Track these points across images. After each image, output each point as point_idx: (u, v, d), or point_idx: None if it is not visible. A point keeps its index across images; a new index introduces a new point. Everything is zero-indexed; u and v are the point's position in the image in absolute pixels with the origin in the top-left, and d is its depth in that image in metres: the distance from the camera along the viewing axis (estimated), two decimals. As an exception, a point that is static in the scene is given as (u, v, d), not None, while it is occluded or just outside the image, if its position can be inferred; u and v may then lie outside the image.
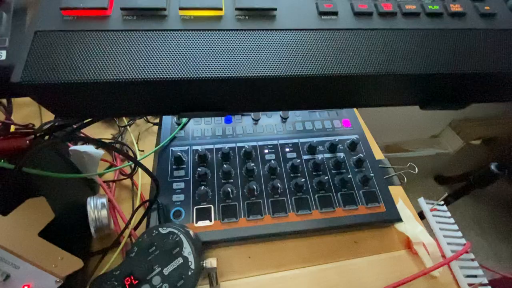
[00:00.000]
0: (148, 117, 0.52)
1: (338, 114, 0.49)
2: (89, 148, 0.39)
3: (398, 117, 1.20)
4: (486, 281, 0.38)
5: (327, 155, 0.44)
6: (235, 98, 0.22)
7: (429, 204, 0.45)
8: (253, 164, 0.41)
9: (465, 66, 0.21)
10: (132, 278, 0.30)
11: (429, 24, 0.23)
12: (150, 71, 0.19)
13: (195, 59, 0.19)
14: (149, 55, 0.19)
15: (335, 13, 0.22)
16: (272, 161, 0.41)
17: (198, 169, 0.39)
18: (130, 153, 0.47)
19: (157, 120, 0.53)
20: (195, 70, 0.19)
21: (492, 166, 0.87)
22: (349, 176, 0.41)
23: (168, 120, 0.46)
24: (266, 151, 0.43)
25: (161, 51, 0.19)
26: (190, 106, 0.23)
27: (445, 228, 0.43)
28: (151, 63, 0.19)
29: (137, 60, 0.19)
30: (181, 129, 0.45)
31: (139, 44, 0.19)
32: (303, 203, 0.39)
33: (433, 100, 0.25)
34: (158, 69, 0.19)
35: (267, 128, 0.47)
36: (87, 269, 0.35)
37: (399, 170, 0.48)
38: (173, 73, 0.19)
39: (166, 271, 0.30)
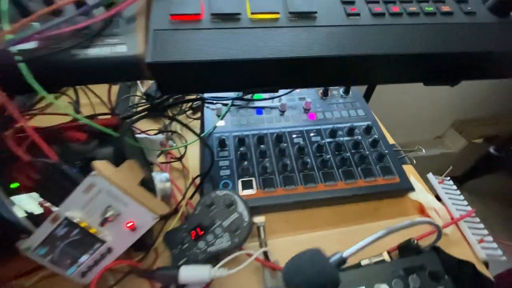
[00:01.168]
0: (188, 113, 0.61)
1: (353, 105, 0.57)
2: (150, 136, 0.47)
3: (404, 119, 1.27)
4: (491, 239, 0.44)
5: (346, 138, 0.51)
6: (286, 76, 0.30)
7: (437, 178, 0.52)
8: (285, 144, 0.48)
9: (453, 47, 0.29)
10: (198, 229, 0.37)
11: (427, 20, 0.31)
12: (232, 54, 0.27)
13: (262, 46, 0.28)
14: (231, 44, 0.27)
15: (358, 14, 0.30)
16: (301, 142, 0.49)
17: (241, 148, 0.47)
18: (178, 141, 0.55)
19: (195, 116, 0.61)
20: (261, 53, 0.27)
21: (491, 149, 0.94)
22: (366, 153, 0.48)
23: (209, 113, 0.54)
24: (294, 135, 0.51)
25: (239, 41, 0.28)
26: (252, 84, 0.31)
27: (452, 197, 0.49)
28: (233, 49, 0.27)
29: (223, 47, 0.27)
30: (221, 119, 0.53)
31: (223, 37, 0.28)
32: (329, 176, 0.46)
33: (433, 78, 0.33)
34: (237, 53, 0.27)
35: (292, 118, 0.55)
36: (153, 231, 0.41)
37: (408, 152, 0.55)
38: (246, 55, 0.27)
39: (225, 223, 0.37)
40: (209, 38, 0.28)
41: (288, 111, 0.56)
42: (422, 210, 0.46)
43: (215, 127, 0.52)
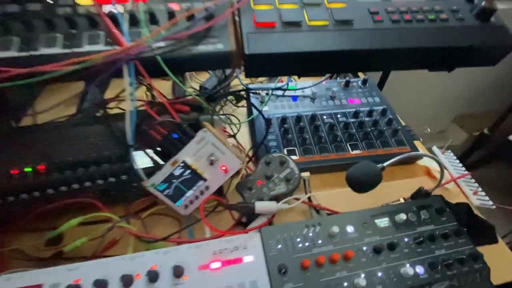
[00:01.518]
0: (234, 102, 0.74)
1: (370, 94, 0.70)
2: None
3: (409, 115, 1.39)
4: (484, 193, 0.56)
5: (367, 118, 0.64)
6: (333, 63, 0.44)
7: (440, 150, 0.64)
8: (319, 122, 0.61)
9: (449, 43, 0.42)
10: (261, 180, 0.50)
11: (429, 24, 0.44)
12: (297, 47, 0.40)
13: (316, 43, 0.41)
14: (297, 42, 0.41)
15: (382, 21, 0.43)
16: (331, 121, 0.62)
17: (284, 125, 0.60)
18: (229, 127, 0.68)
19: (240, 104, 0.74)
20: (316, 47, 0.41)
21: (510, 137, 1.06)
22: (384, 129, 0.61)
23: (254, 100, 0.67)
24: (325, 116, 0.64)
25: (302, 40, 0.41)
26: (310, 69, 0.44)
27: (453, 164, 0.61)
28: (298, 45, 0.40)
29: (291, 43, 0.40)
30: (265, 105, 0.66)
31: (291, 37, 0.41)
32: (355, 146, 0.59)
33: (435, 65, 0.46)
34: (301, 47, 0.40)
35: (321, 104, 0.68)
36: (222, 186, 0.54)
37: (416, 131, 0.68)
38: (306, 48, 0.40)
39: (281, 175, 0.50)
40: (281, 38, 0.41)
41: (317, 99, 0.69)
42: (428, 172, 0.59)
43: (261, 109, 0.65)
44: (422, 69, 0.47)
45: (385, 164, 0.44)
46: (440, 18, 0.45)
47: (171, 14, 0.42)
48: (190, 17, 0.42)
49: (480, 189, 0.57)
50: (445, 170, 0.58)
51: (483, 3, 0.45)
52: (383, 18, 0.44)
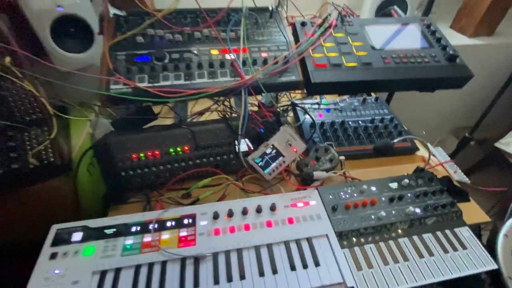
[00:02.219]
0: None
1: (380, 107, 0.99)
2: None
3: (410, 126, 1.67)
4: (462, 173, 0.82)
5: (380, 124, 0.92)
6: (364, 87, 0.73)
7: (434, 147, 0.91)
8: (346, 126, 0.89)
9: (429, 75, 0.71)
10: (313, 160, 0.77)
11: (417, 64, 0.73)
12: (338, 79, 0.69)
13: (351, 75, 0.70)
14: (340, 75, 0.70)
15: (388, 62, 0.73)
16: (355, 125, 0.90)
17: (323, 127, 0.89)
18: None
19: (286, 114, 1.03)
20: (351, 78, 0.70)
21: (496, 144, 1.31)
22: (392, 130, 0.89)
23: (299, 111, 0.96)
24: (350, 122, 0.92)
25: (342, 74, 0.70)
26: (348, 91, 0.74)
27: (441, 155, 0.88)
28: (341, 77, 0.70)
29: (337, 76, 0.70)
30: (306, 114, 0.94)
31: (336, 72, 0.70)
32: (372, 141, 0.86)
33: (422, 88, 0.74)
34: (339, 78, 0.69)
35: (347, 114, 0.96)
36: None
37: (416, 134, 0.95)
38: (346, 78, 0.70)
39: (327, 157, 0.77)
40: (330, 73, 0.70)
41: (343, 111, 0.97)
42: (424, 160, 0.85)
43: (304, 118, 0.94)
44: (414, 91, 0.76)
45: (395, 140, 0.74)
46: (424, 61, 0.74)
47: (265, 60, 0.72)
48: (276, 62, 0.72)
49: (459, 170, 0.83)
50: (434, 157, 0.85)
51: (451, 52, 0.75)
52: (390, 61, 0.73)
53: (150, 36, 0.74)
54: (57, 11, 0.89)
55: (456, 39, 1.42)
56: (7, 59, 0.68)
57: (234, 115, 0.87)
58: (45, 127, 0.73)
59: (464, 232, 0.66)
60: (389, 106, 1.04)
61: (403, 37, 0.82)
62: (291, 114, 1.01)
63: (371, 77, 0.70)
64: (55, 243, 0.59)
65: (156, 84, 0.67)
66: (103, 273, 0.55)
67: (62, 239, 0.59)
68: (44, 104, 0.72)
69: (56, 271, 0.55)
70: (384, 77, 0.70)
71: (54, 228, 0.61)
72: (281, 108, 0.88)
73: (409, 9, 1.20)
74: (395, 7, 0.94)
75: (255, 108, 0.80)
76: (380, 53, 0.75)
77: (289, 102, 1.01)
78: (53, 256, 0.57)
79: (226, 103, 0.88)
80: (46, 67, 0.87)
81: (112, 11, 0.78)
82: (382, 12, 1.07)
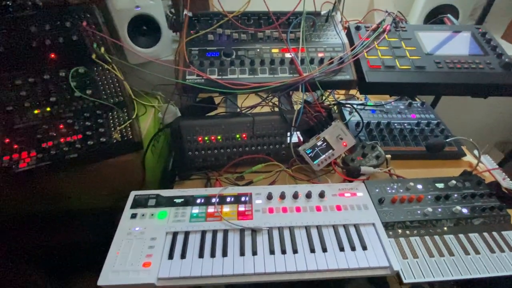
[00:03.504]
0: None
1: (426, 112, 1.00)
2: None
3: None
4: (509, 180, 0.81)
5: (426, 127, 0.94)
6: (415, 89, 0.76)
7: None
8: (392, 127, 0.92)
9: (483, 81, 0.73)
10: (359, 156, 0.81)
11: (472, 70, 0.75)
12: (394, 79, 0.74)
13: (404, 77, 0.74)
14: (393, 77, 0.74)
15: (442, 67, 0.75)
16: (400, 127, 0.93)
17: (370, 127, 0.92)
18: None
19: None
20: (404, 79, 0.74)
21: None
22: (438, 135, 0.90)
23: (345, 111, 1.01)
24: (396, 124, 0.95)
25: (396, 76, 0.74)
26: (400, 92, 0.78)
27: (489, 162, 0.88)
28: (395, 78, 0.74)
29: (390, 77, 0.74)
30: (351, 114, 0.99)
31: (390, 74, 0.74)
32: (418, 143, 0.89)
33: (475, 93, 0.76)
34: (397, 79, 0.74)
35: (392, 116, 0.99)
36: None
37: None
38: (399, 80, 0.74)
39: (373, 155, 0.81)
40: (384, 74, 0.75)
41: (389, 113, 1.00)
42: (470, 165, 0.86)
43: (350, 117, 0.98)
44: (466, 96, 0.78)
45: (447, 140, 0.78)
46: (479, 67, 0.76)
47: (321, 59, 0.79)
48: (331, 62, 0.78)
49: (507, 177, 0.82)
50: (482, 164, 0.86)
51: (506, 60, 0.76)
52: (443, 66, 0.76)
53: (219, 34, 0.83)
54: (135, 10, 1.02)
55: (508, 49, 1.38)
56: (102, 49, 0.81)
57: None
58: (125, 108, 0.84)
59: (513, 236, 0.67)
60: (435, 110, 1.06)
61: (456, 44, 0.84)
62: (336, 112, 1.06)
63: (424, 79, 0.74)
64: (134, 205, 0.69)
65: (224, 77, 0.76)
66: (174, 234, 0.64)
67: (139, 203, 0.70)
68: (126, 88, 0.84)
69: (137, 228, 0.65)
70: (438, 80, 0.73)
71: (133, 194, 0.72)
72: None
73: (460, 17, 1.20)
74: (449, 15, 0.96)
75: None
76: (434, 58, 0.78)
77: (334, 102, 1.06)
78: (133, 216, 0.67)
79: (274, 100, 0.96)
80: (123, 59, 1.01)
81: (184, 12, 0.89)
82: (432, 20, 1.09)
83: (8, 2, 0.74)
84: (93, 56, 0.80)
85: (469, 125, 1.56)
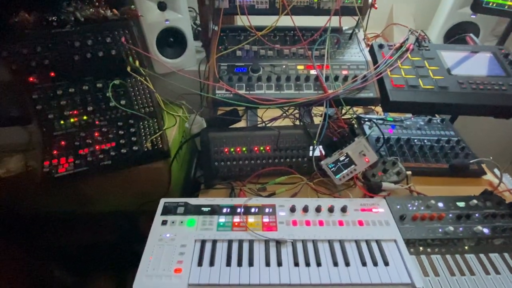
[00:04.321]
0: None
1: (446, 129, 1.01)
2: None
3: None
4: None
5: (446, 144, 0.95)
6: (438, 109, 0.78)
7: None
8: (412, 143, 0.94)
9: (507, 102, 0.74)
10: (380, 172, 0.83)
11: (495, 92, 0.76)
12: (417, 99, 0.76)
13: (427, 97, 0.76)
14: (417, 96, 0.76)
15: (465, 88, 0.77)
16: (420, 143, 0.94)
17: (390, 142, 0.94)
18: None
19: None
20: (427, 99, 0.76)
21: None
22: (459, 152, 0.91)
23: (365, 126, 1.03)
24: (416, 140, 0.97)
25: (419, 95, 0.76)
26: (422, 111, 0.80)
27: (510, 182, 0.88)
28: (418, 97, 0.76)
29: (413, 97, 0.76)
30: (371, 129, 1.01)
31: (413, 93, 0.76)
32: (438, 160, 0.90)
33: (498, 115, 0.77)
34: (420, 98, 0.76)
35: (412, 132, 1.01)
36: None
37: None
38: (422, 100, 0.76)
39: (393, 171, 0.83)
40: (407, 93, 0.77)
41: (408, 128, 1.02)
42: (490, 184, 0.87)
43: (370, 132, 1.00)
44: (489, 116, 0.79)
45: (471, 161, 0.80)
46: (502, 88, 0.77)
47: (345, 77, 0.81)
48: (355, 80, 0.81)
49: (530, 198, 0.83)
50: (503, 183, 0.86)
51: (531, 82, 0.77)
52: (466, 86, 0.77)
53: (246, 50, 0.87)
54: (165, 23, 1.07)
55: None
56: (137, 62, 0.85)
57: (303, 122, 0.97)
58: (155, 118, 0.89)
59: (534, 258, 0.67)
60: (454, 125, 1.06)
61: (479, 64, 0.85)
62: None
63: (448, 100, 0.75)
64: (164, 212, 0.73)
65: (251, 92, 0.79)
66: (203, 242, 0.67)
67: (169, 210, 0.73)
68: (157, 99, 0.89)
69: (167, 235, 0.68)
70: (461, 101, 0.75)
71: (163, 201, 0.76)
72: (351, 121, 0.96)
73: (481, 35, 1.20)
74: (471, 34, 0.97)
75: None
76: (457, 78, 0.80)
77: (354, 116, 1.09)
78: (164, 222, 0.71)
79: (295, 113, 0.99)
80: (151, 70, 1.06)
81: (213, 26, 0.93)
82: (454, 38, 1.10)
83: (53, 18, 0.80)
84: (128, 69, 0.84)
85: (488, 141, 1.55)
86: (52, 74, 0.80)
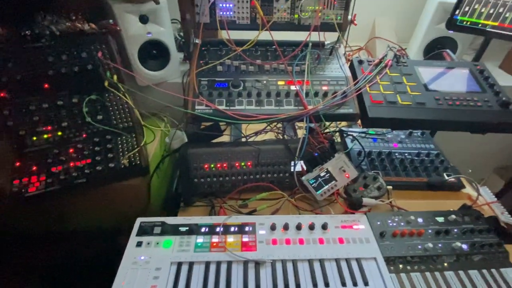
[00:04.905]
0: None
1: (426, 142, 1.03)
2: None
3: (454, 163, 1.65)
4: (508, 214, 0.83)
5: (426, 158, 0.96)
6: (415, 125, 0.79)
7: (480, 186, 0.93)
8: (393, 157, 0.95)
9: (481, 119, 0.76)
10: (361, 187, 0.83)
11: (470, 108, 0.78)
12: (395, 115, 0.76)
13: (405, 113, 0.77)
14: (395, 112, 0.77)
15: (442, 104, 0.78)
16: (401, 156, 0.95)
17: (371, 156, 0.95)
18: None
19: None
20: (405, 115, 0.76)
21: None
22: (438, 166, 0.92)
23: (347, 139, 1.03)
24: (397, 154, 0.97)
25: (398, 111, 0.77)
26: (400, 127, 0.80)
27: (487, 194, 0.89)
28: (396, 114, 0.76)
29: (392, 113, 0.77)
30: (353, 142, 1.01)
31: (392, 109, 0.77)
32: (418, 174, 0.91)
33: (474, 130, 0.79)
34: (398, 114, 0.76)
35: (393, 145, 1.01)
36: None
37: (462, 171, 0.97)
38: (400, 116, 0.76)
39: (375, 185, 0.83)
40: (386, 109, 0.77)
41: (390, 142, 1.03)
42: (469, 197, 0.88)
43: (352, 145, 1.00)
44: (466, 132, 0.80)
45: (447, 178, 0.80)
46: (477, 105, 0.79)
47: (325, 93, 0.81)
48: (335, 96, 0.81)
49: (506, 212, 0.84)
50: (481, 196, 0.87)
51: (504, 98, 0.79)
52: (442, 102, 0.79)
53: (227, 65, 0.87)
54: (147, 36, 1.06)
55: (506, 79, 1.42)
56: (115, 77, 0.83)
57: (286, 137, 0.97)
58: (134, 133, 0.87)
59: (510, 273, 0.68)
60: (434, 139, 1.08)
61: (455, 80, 0.87)
62: (338, 139, 1.08)
63: (425, 116, 0.76)
64: (139, 233, 0.70)
65: (232, 108, 0.78)
66: (179, 265, 0.65)
67: (145, 231, 0.71)
68: (136, 114, 0.87)
69: (142, 257, 0.66)
70: (438, 117, 0.76)
71: (139, 220, 0.73)
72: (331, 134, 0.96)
73: (459, 49, 1.24)
74: (448, 50, 1.00)
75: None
76: (434, 94, 0.81)
77: (337, 129, 1.09)
78: (139, 244, 0.68)
79: (279, 126, 0.98)
80: (132, 82, 1.04)
81: (193, 40, 0.93)
82: (431, 54, 1.13)
83: (27, 32, 0.78)
84: (106, 84, 0.82)
85: (468, 151, 1.59)
86: (25, 89, 0.77)
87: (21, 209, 0.77)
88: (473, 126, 0.79)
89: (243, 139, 0.92)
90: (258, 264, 0.65)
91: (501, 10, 0.93)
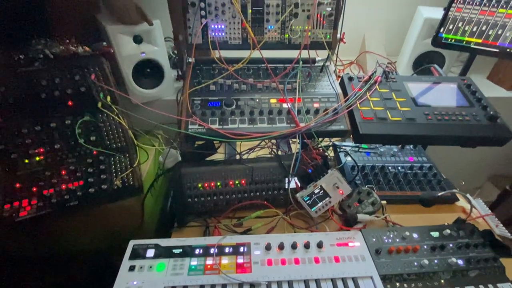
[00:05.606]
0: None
1: (419, 155, 1.04)
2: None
3: (448, 172, 1.66)
4: (503, 227, 0.83)
5: (419, 171, 0.97)
6: (406, 140, 0.80)
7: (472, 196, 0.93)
8: (387, 171, 0.95)
9: (471, 133, 0.77)
10: (356, 202, 0.83)
11: (459, 122, 0.80)
12: (386, 131, 0.77)
13: (396, 129, 0.78)
14: (385, 128, 0.78)
15: (431, 119, 0.80)
16: (394, 170, 0.96)
17: (365, 170, 0.95)
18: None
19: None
20: (395, 131, 0.78)
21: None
22: (431, 179, 0.93)
23: (340, 153, 1.04)
24: (390, 167, 0.98)
25: (388, 127, 0.78)
26: (391, 142, 0.81)
27: (481, 207, 0.90)
28: (387, 130, 0.78)
29: (382, 129, 0.78)
30: (346, 156, 1.02)
31: (380, 126, 0.78)
32: (412, 187, 0.91)
33: (464, 144, 0.80)
34: (389, 130, 0.77)
35: (386, 159, 1.02)
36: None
37: (455, 183, 0.98)
38: (391, 131, 0.78)
39: (369, 201, 0.83)
40: (376, 126, 0.79)
41: (383, 155, 1.04)
42: (463, 210, 0.88)
43: (346, 160, 1.01)
44: (456, 146, 0.82)
45: (439, 193, 0.80)
46: (465, 119, 0.80)
47: (317, 110, 0.83)
48: (326, 113, 0.82)
49: (501, 224, 0.84)
50: (475, 209, 0.88)
51: (491, 112, 0.81)
52: (432, 117, 0.80)
53: (220, 84, 0.88)
54: (141, 56, 1.08)
55: (493, 91, 1.45)
56: (108, 99, 0.84)
57: (280, 152, 0.97)
58: (127, 153, 0.87)
59: (508, 289, 0.67)
60: (426, 151, 1.09)
61: (444, 95, 0.89)
62: (331, 154, 1.09)
63: (415, 132, 0.77)
64: (132, 256, 0.69)
65: (225, 127, 0.79)
66: (173, 289, 0.64)
67: (138, 254, 0.70)
68: (129, 134, 0.87)
69: (135, 282, 0.64)
70: (428, 132, 0.77)
71: (132, 243, 0.72)
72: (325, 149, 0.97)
73: (446, 63, 1.28)
74: (435, 65, 1.02)
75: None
76: (423, 109, 0.83)
77: (330, 143, 1.10)
78: (132, 268, 0.67)
79: (273, 141, 0.99)
80: (126, 100, 1.05)
81: (187, 59, 0.94)
82: (419, 69, 1.16)
83: (20, 56, 0.79)
84: (99, 105, 0.83)
85: (462, 160, 1.60)
86: (17, 112, 0.77)
87: (11, 234, 0.76)
88: (463, 140, 0.80)
89: (237, 156, 0.92)
90: (253, 286, 0.64)
91: (484, 28, 0.97)
